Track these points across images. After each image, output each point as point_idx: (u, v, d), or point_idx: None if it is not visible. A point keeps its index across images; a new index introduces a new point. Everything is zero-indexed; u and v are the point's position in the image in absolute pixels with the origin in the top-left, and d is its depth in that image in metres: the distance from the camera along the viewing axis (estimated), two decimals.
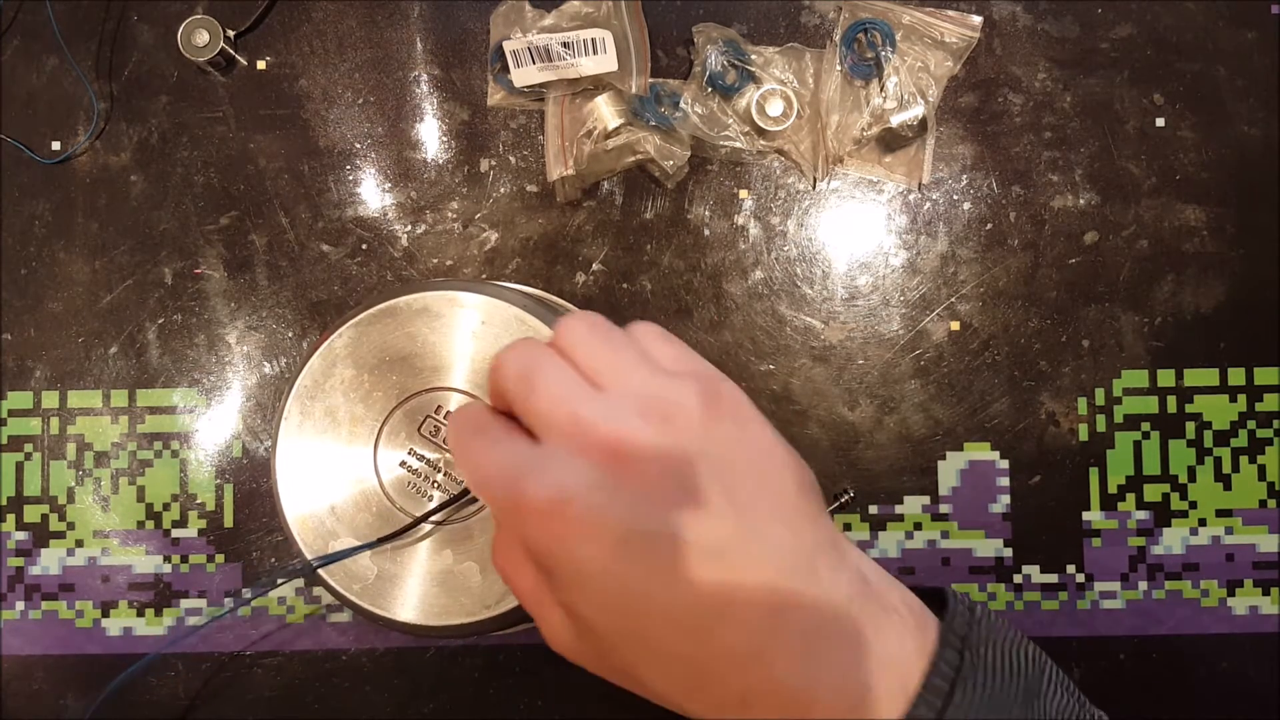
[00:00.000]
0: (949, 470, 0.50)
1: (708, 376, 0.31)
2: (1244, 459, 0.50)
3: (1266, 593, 0.49)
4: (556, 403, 0.29)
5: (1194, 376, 0.50)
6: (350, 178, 0.51)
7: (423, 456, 0.41)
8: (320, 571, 0.40)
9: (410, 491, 0.40)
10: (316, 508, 0.41)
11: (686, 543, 0.27)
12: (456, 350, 0.40)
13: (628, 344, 0.31)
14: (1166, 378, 0.50)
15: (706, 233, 0.51)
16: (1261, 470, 0.50)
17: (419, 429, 0.41)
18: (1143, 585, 0.50)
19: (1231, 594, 0.49)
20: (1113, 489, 0.50)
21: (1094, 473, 0.50)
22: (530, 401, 0.29)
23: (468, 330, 0.40)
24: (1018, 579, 0.50)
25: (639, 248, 0.51)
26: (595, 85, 0.50)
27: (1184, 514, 0.50)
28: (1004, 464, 0.50)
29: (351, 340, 0.41)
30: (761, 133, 0.50)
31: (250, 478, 0.51)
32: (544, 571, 0.29)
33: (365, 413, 0.41)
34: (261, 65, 0.52)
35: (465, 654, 0.50)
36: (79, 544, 0.51)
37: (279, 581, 0.49)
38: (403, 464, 0.41)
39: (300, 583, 0.50)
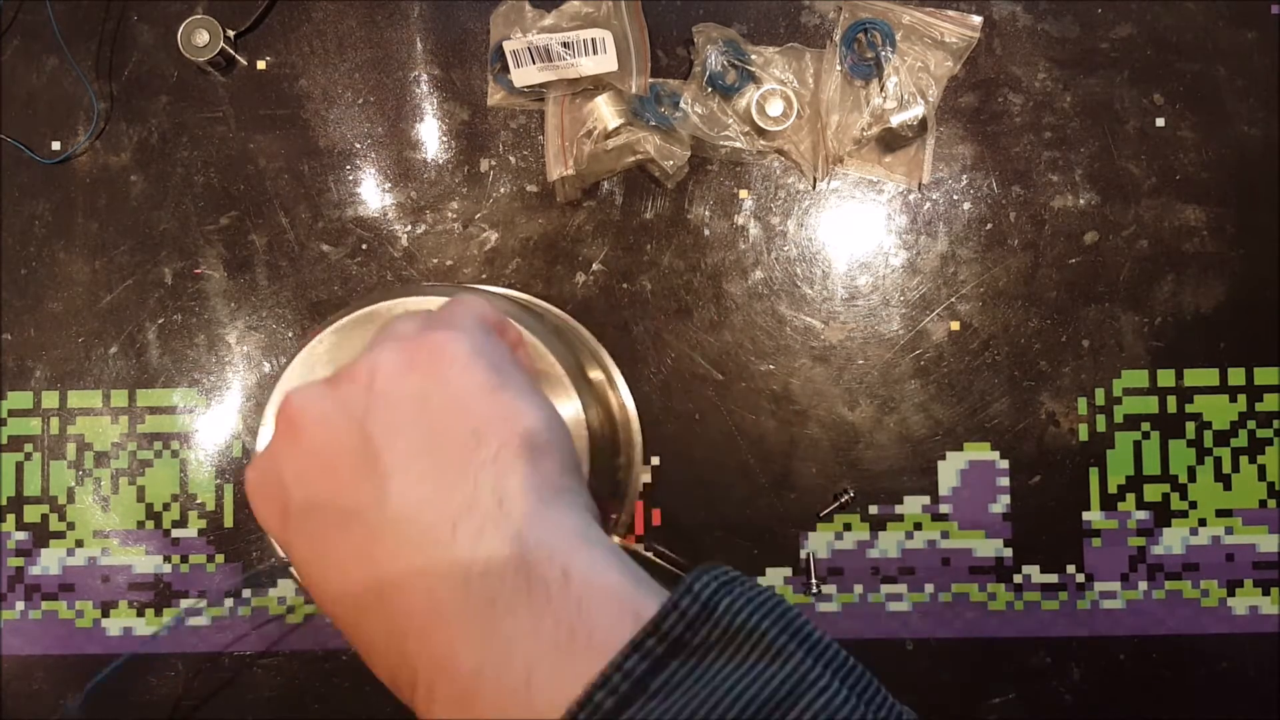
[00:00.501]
0: (949, 470, 0.50)
1: (426, 337, 0.29)
2: (1244, 459, 0.50)
3: (1266, 593, 0.49)
4: (289, 394, 0.29)
5: (1194, 376, 0.50)
6: (350, 178, 0.51)
7: None
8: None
9: None
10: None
11: (331, 512, 0.27)
12: None
13: (401, 325, 0.31)
14: (1166, 378, 0.50)
15: (706, 233, 0.51)
16: (1261, 470, 0.50)
17: None
18: (1143, 585, 0.50)
19: (1231, 594, 0.49)
20: (1113, 489, 0.50)
21: (1094, 473, 0.50)
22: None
23: None
24: (1018, 579, 0.50)
25: (639, 248, 0.51)
26: (595, 85, 0.50)
27: (1184, 514, 0.50)
28: (1004, 464, 0.50)
29: (333, 345, 0.40)
30: (761, 133, 0.50)
31: None
32: None
33: None
34: (261, 65, 0.52)
35: None
36: (79, 544, 0.51)
37: (232, 593, 0.49)
38: None
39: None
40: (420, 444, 0.27)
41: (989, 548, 0.50)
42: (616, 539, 0.47)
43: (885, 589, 0.50)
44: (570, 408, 0.39)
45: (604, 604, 0.24)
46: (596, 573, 0.25)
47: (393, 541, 0.26)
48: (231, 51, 0.51)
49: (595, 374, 0.47)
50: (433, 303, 0.40)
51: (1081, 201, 0.51)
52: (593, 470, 0.39)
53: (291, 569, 0.37)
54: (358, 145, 0.51)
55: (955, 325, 0.50)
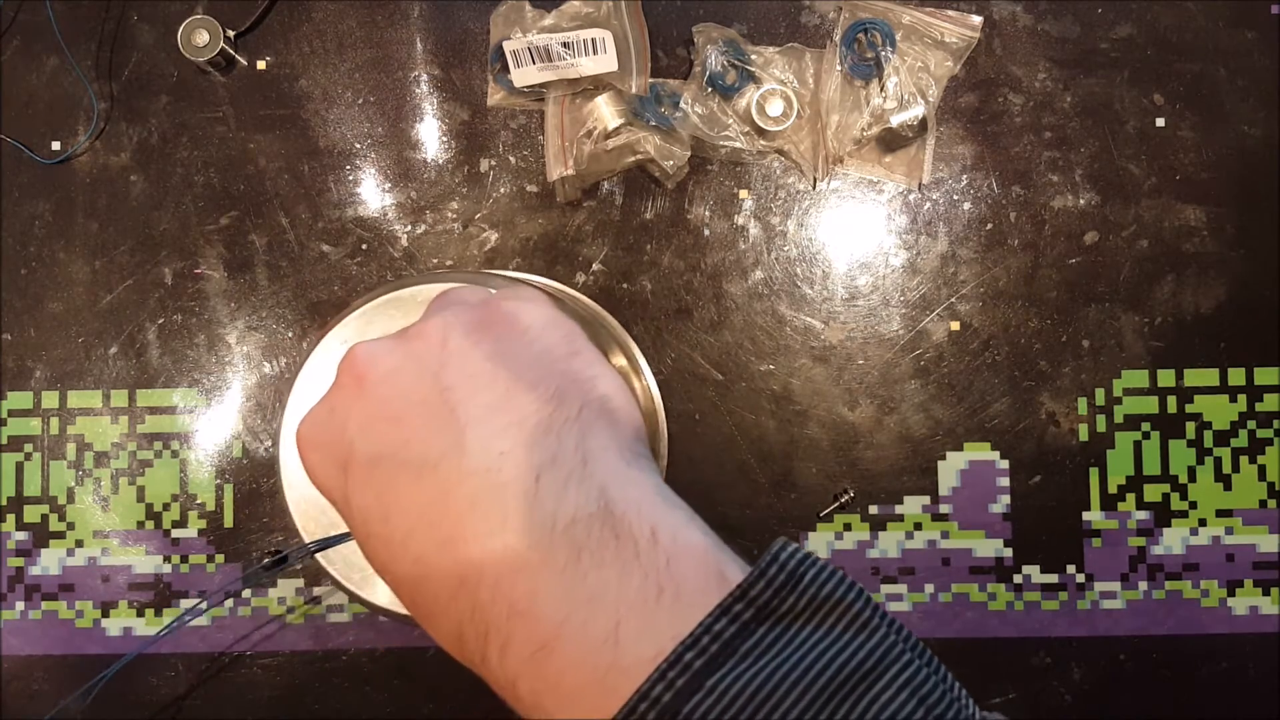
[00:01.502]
0: (949, 470, 0.50)
1: (499, 304, 0.30)
2: (1244, 459, 0.50)
3: (1266, 593, 0.49)
4: (356, 347, 0.29)
5: (1194, 376, 0.50)
6: (350, 178, 0.51)
7: None
8: (319, 558, 0.40)
9: None
10: (321, 503, 0.41)
11: (401, 462, 0.26)
12: None
13: (465, 293, 0.31)
14: (1166, 378, 0.50)
15: (706, 233, 0.51)
16: (1261, 470, 0.50)
17: None
18: (1143, 585, 0.50)
19: (1231, 594, 0.49)
20: (1113, 489, 0.50)
21: (1094, 473, 0.50)
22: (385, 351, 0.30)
23: None
24: (1018, 579, 0.50)
25: (639, 248, 0.51)
26: (595, 85, 0.50)
27: (1184, 514, 0.50)
28: (1004, 464, 0.50)
29: (357, 330, 0.41)
30: (761, 133, 0.50)
31: (250, 478, 0.51)
32: None
33: None
34: (261, 65, 0.52)
35: None
36: (79, 544, 0.51)
37: (245, 584, 0.49)
38: None
39: (300, 583, 0.50)
40: (499, 400, 0.27)
41: (989, 548, 0.50)
42: None
43: (885, 589, 0.50)
44: None
45: (691, 563, 0.24)
46: (681, 532, 0.25)
47: (471, 491, 0.25)
48: (231, 51, 0.51)
49: (619, 360, 0.47)
50: (445, 288, 0.40)
51: (1081, 201, 0.51)
52: None
53: (322, 553, 0.36)
54: (358, 145, 0.51)
55: (955, 325, 0.50)
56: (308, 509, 0.41)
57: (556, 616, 0.24)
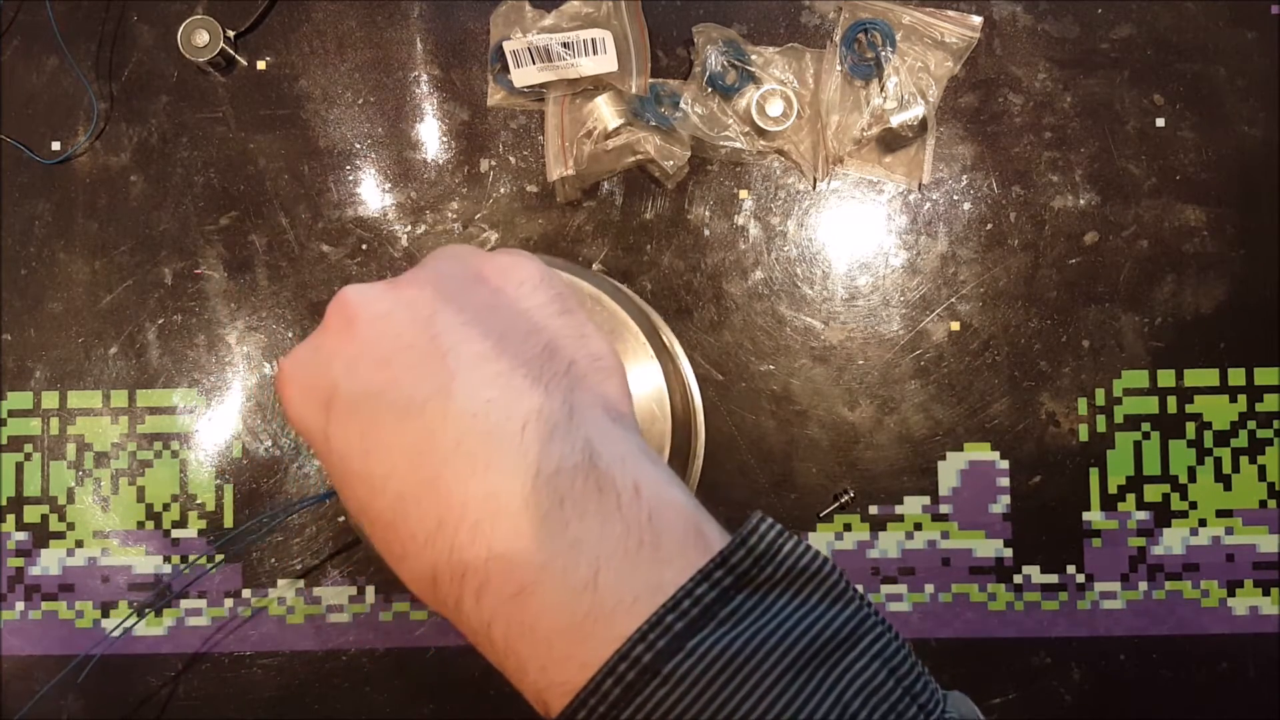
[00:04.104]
0: (949, 470, 0.50)
1: (493, 258, 0.30)
2: (1244, 459, 0.50)
3: (1266, 593, 0.49)
4: (346, 290, 0.29)
5: (1194, 376, 0.50)
6: (350, 178, 0.51)
7: None
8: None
9: None
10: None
11: (387, 402, 0.26)
12: None
13: (459, 248, 0.31)
14: (1166, 378, 0.50)
15: (706, 233, 0.51)
16: (1261, 470, 0.50)
17: None
18: (1143, 585, 0.50)
19: (1231, 594, 0.49)
20: (1113, 489, 0.50)
21: (1094, 473, 0.50)
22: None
23: None
24: (1018, 579, 0.50)
25: (639, 248, 0.51)
26: (595, 85, 0.50)
27: (1184, 514, 0.50)
28: (1004, 464, 0.50)
29: None
30: (761, 133, 0.50)
31: (250, 478, 0.51)
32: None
33: None
34: (261, 65, 0.52)
35: (465, 654, 0.50)
36: (79, 544, 0.51)
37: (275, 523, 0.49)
38: None
39: (300, 583, 0.50)
40: (490, 350, 0.27)
41: (989, 548, 0.50)
42: None
43: (885, 589, 0.50)
44: (651, 382, 0.39)
45: (672, 520, 0.25)
46: (664, 490, 0.26)
47: (455, 434, 0.25)
48: (231, 51, 0.51)
49: (664, 364, 0.47)
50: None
51: (1081, 201, 0.51)
52: (673, 451, 0.39)
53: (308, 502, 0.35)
54: (358, 145, 0.51)
55: (955, 325, 0.50)
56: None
57: (536, 560, 0.24)
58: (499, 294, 0.29)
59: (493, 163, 0.51)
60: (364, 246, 0.51)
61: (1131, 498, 0.50)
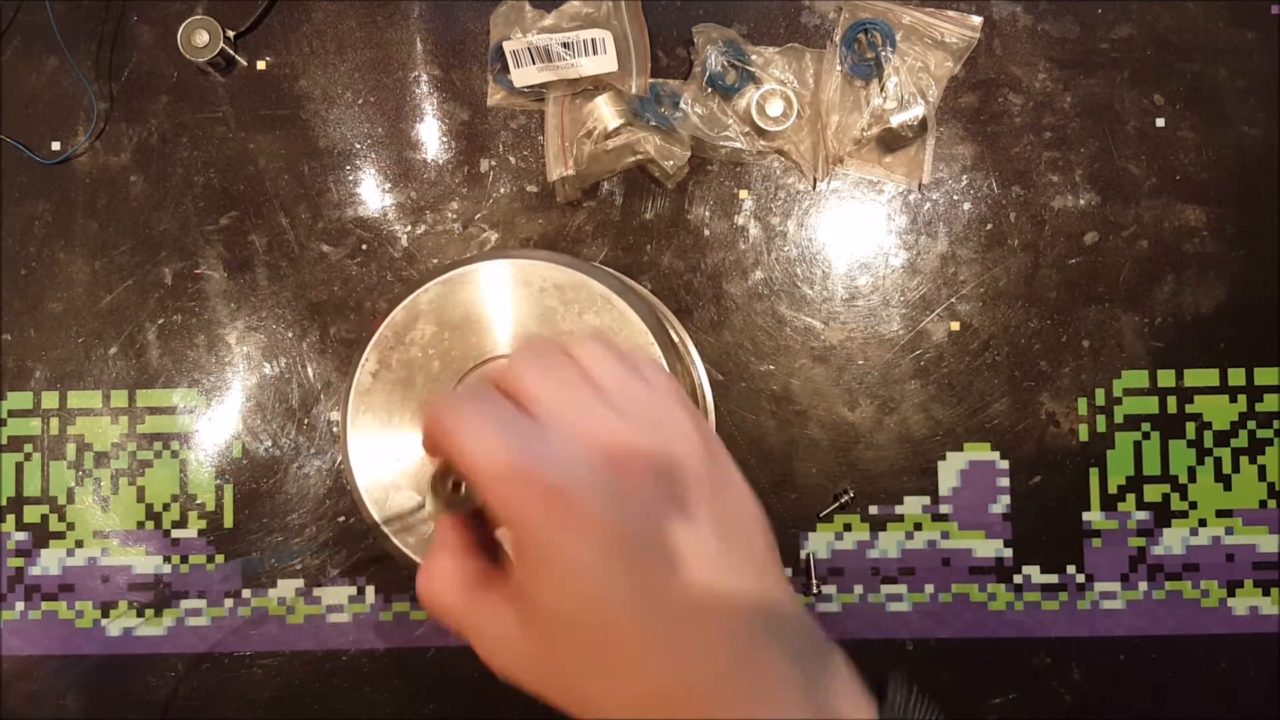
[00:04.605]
0: (949, 470, 0.50)
1: (717, 467, 0.31)
2: (1244, 459, 0.50)
3: (1266, 593, 0.49)
4: (566, 388, 0.29)
5: (1194, 376, 0.50)
6: (350, 178, 0.51)
7: None
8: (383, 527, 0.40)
9: None
10: (381, 455, 0.41)
11: (673, 550, 0.27)
12: (541, 321, 0.41)
13: (622, 359, 0.31)
14: (1166, 378, 0.50)
15: (706, 233, 0.51)
16: (1261, 470, 0.50)
17: None
18: (1143, 585, 0.50)
19: (1231, 594, 0.49)
20: (1113, 489, 0.50)
21: (1094, 473, 0.50)
22: (536, 386, 0.29)
23: (555, 303, 0.41)
24: (1018, 579, 0.50)
25: (639, 248, 0.51)
26: (595, 85, 0.50)
27: (1184, 514, 0.50)
28: (1004, 464, 0.50)
29: (438, 296, 0.41)
30: (761, 133, 0.50)
31: (250, 478, 0.51)
32: (510, 558, 0.29)
33: (442, 370, 0.41)
34: (261, 65, 0.52)
35: (465, 654, 0.50)
36: (79, 544, 0.51)
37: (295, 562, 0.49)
38: None
39: (300, 583, 0.50)
40: (733, 516, 0.28)
41: (989, 548, 0.50)
42: None
43: (885, 589, 0.50)
44: None
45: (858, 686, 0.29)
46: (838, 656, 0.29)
47: (731, 599, 0.27)
48: (231, 52, 0.51)
49: (676, 363, 0.47)
50: (543, 268, 0.41)
51: (1081, 201, 0.51)
52: None
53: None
54: (358, 145, 0.51)
55: (955, 325, 0.50)
56: (368, 465, 0.41)
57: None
58: (719, 465, 0.30)
59: (493, 163, 0.51)
60: (364, 246, 0.51)
61: (1131, 498, 0.50)
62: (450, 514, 0.30)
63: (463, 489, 0.29)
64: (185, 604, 0.50)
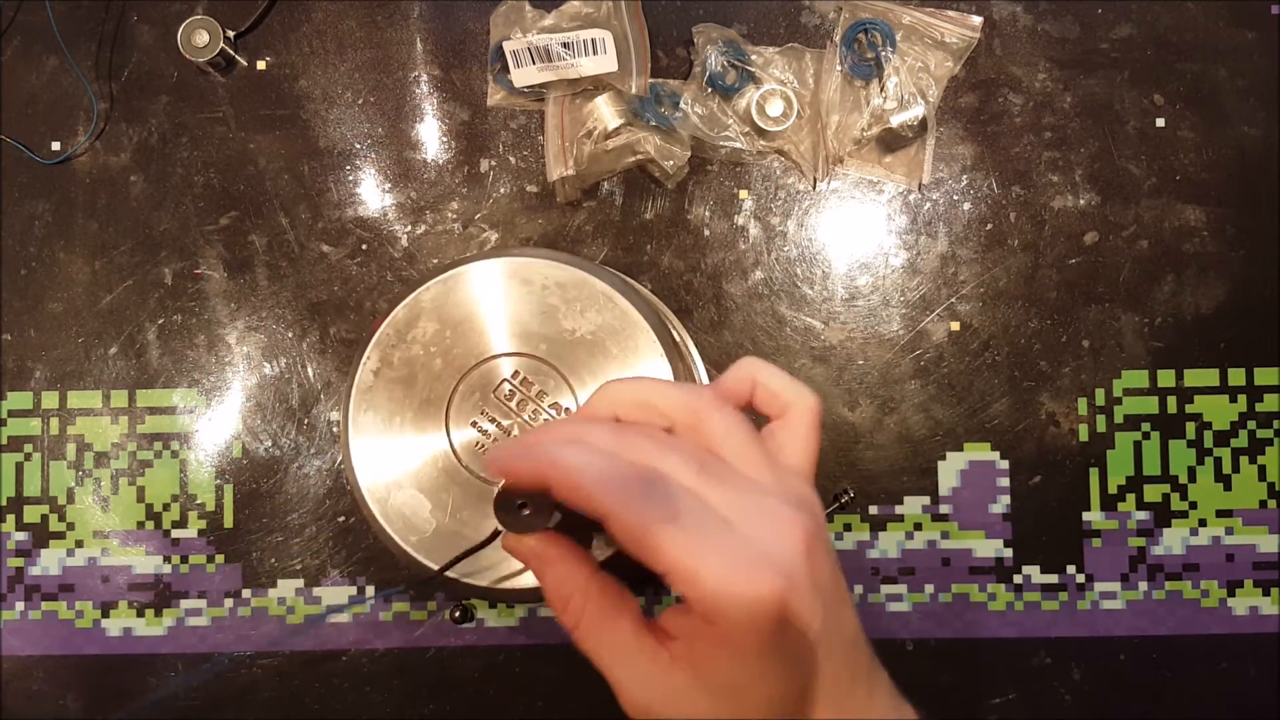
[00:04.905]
0: (949, 470, 0.50)
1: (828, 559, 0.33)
2: (1244, 459, 0.50)
3: (1266, 593, 0.49)
4: (749, 443, 0.30)
5: (1194, 377, 0.50)
6: (350, 178, 0.51)
7: (494, 420, 0.41)
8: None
9: (478, 453, 0.41)
10: (383, 453, 0.41)
11: (820, 634, 0.28)
12: (543, 320, 0.41)
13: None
14: (1166, 378, 0.50)
15: (706, 233, 0.51)
16: (1261, 470, 0.50)
17: (493, 391, 0.41)
18: (1143, 586, 0.50)
19: (1231, 594, 0.49)
20: (1113, 489, 0.50)
21: (1094, 473, 0.50)
22: (724, 431, 0.30)
23: (557, 301, 0.41)
24: (1018, 579, 0.50)
25: (639, 248, 0.51)
26: (595, 85, 0.50)
27: (1184, 514, 0.50)
28: (1004, 464, 0.50)
29: (440, 294, 0.41)
30: (761, 133, 0.50)
31: (250, 478, 0.51)
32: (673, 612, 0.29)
33: (444, 368, 0.41)
34: (261, 65, 0.52)
35: (465, 654, 0.50)
36: (79, 544, 0.51)
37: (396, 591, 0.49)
38: (474, 424, 0.41)
39: (300, 583, 0.50)
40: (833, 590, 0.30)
41: (989, 548, 0.50)
42: None
43: (885, 589, 0.50)
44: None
45: None
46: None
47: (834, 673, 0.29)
48: (231, 52, 0.51)
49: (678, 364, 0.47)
50: (545, 267, 0.41)
51: (1081, 201, 0.51)
52: None
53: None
54: (358, 145, 0.51)
55: (955, 325, 0.50)
56: (369, 465, 0.41)
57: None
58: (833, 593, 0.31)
59: (493, 163, 0.51)
60: (364, 247, 0.51)
61: (1131, 498, 0.50)
62: (529, 535, 0.30)
63: (527, 509, 0.30)
64: (185, 604, 0.50)
